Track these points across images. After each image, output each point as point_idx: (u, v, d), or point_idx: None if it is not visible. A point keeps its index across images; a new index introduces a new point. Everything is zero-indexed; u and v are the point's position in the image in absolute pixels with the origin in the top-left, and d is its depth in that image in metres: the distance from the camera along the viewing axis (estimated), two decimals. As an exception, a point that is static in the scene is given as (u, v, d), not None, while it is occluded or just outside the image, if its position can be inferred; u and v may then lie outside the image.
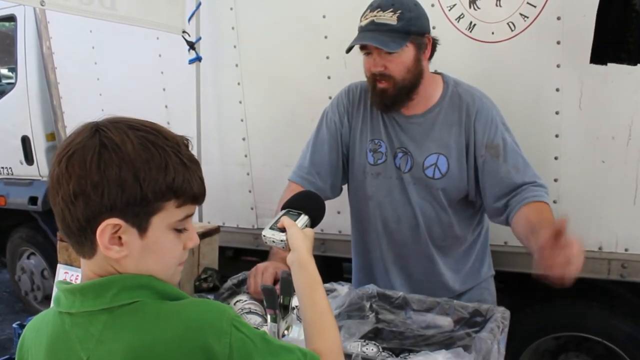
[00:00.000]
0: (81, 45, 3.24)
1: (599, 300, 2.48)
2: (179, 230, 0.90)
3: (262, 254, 3.06)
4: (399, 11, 1.71)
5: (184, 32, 2.71)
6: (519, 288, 2.49)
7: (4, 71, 6.18)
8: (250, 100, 2.82)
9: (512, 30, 2.21)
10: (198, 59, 2.80)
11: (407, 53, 1.75)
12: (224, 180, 2.93)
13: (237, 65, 2.80)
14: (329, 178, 1.96)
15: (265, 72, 2.76)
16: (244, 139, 2.88)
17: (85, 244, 0.86)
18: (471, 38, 2.28)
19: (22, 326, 1.82)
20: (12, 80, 4.14)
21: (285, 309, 1.30)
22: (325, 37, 2.56)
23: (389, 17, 1.70)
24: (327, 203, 1.96)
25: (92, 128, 0.85)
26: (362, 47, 1.77)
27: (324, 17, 2.54)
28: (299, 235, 1.15)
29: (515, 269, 2.43)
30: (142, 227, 0.86)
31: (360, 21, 1.76)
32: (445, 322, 1.53)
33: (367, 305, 1.59)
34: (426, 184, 1.85)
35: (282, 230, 1.18)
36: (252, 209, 2.95)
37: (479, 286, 2.00)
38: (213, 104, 2.91)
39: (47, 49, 3.20)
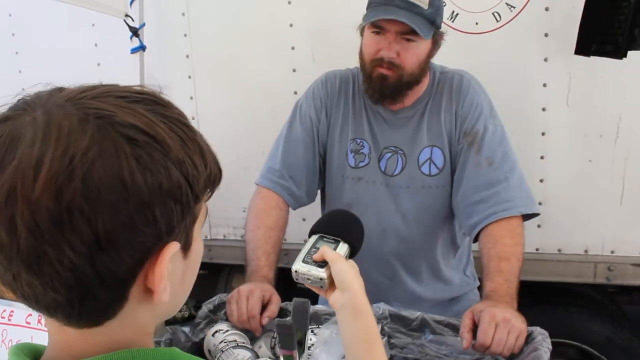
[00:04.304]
0: (-2, 31, 2.81)
1: (577, 304, 2.41)
2: None
3: (212, 267, 2.78)
4: None
5: (126, 15, 2.38)
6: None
7: None
8: (202, 95, 2.52)
9: (497, 21, 2.07)
10: (142, 47, 2.47)
11: (425, 46, 1.55)
12: (173, 185, 2.61)
13: (187, 56, 2.49)
14: (304, 182, 1.72)
15: (220, 64, 2.47)
16: (195, 139, 2.58)
17: (110, 304, 0.55)
18: (453, 28, 2.11)
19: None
20: None
21: (300, 346, 1.06)
22: (291, 25, 2.31)
23: None
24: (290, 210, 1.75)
25: (81, 120, 0.52)
26: (375, 25, 1.53)
27: (289, 2, 2.29)
28: (349, 271, 0.90)
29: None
30: (188, 243, 0.60)
31: None
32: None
33: (379, 327, 1.37)
34: (423, 185, 1.65)
35: (320, 264, 0.93)
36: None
37: (467, 297, 1.82)
38: (159, 100, 2.58)
39: (-45, 34, 2.77)
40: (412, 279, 1.74)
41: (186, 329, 1.41)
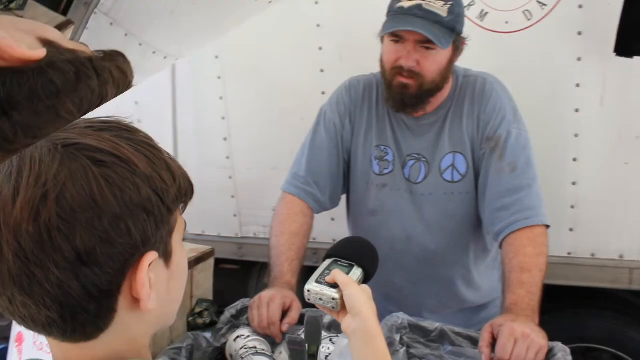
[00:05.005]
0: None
1: (613, 309, 2.34)
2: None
3: (243, 263, 2.82)
4: (450, 3, 1.47)
5: (156, 19, 2.41)
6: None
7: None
8: (232, 95, 2.55)
9: (528, 20, 2.01)
10: (172, 49, 2.51)
11: (446, 53, 1.52)
12: (203, 184, 2.64)
13: (216, 57, 2.51)
14: (328, 188, 1.72)
15: (249, 65, 2.48)
16: (225, 139, 2.60)
17: (100, 316, 0.59)
18: (482, 28, 2.06)
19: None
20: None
21: (314, 359, 1.07)
22: (318, 26, 2.30)
23: (440, 7, 1.45)
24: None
25: (50, 150, 0.56)
26: (394, 34, 1.51)
27: (316, 3, 2.28)
28: (361, 296, 0.91)
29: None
30: (167, 253, 0.63)
31: (401, 0, 1.49)
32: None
33: (397, 338, 1.37)
34: (445, 192, 1.63)
35: (333, 285, 0.93)
36: (235, 216, 2.69)
37: (494, 304, 1.80)
38: (190, 100, 2.62)
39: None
40: (439, 285, 1.72)
41: (207, 334, 1.43)
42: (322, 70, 2.35)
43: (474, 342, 1.33)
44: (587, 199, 2.08)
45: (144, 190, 0.58)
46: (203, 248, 1.54)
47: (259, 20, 2.40)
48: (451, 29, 1.48)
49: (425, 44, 1.48)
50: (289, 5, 2.34)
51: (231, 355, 1.42)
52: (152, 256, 0.59)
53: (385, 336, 1.31)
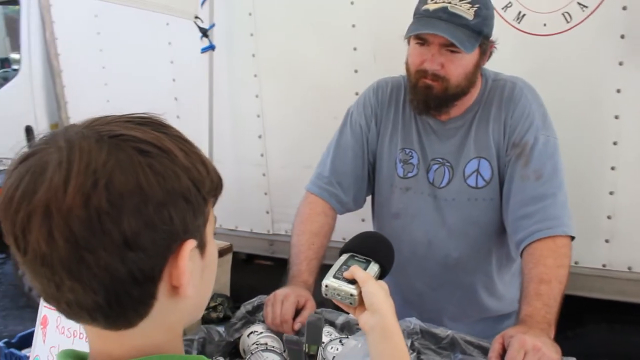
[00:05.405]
0: (85, 30, 3.00)
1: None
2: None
3: (277, 259, 2.85)
4: (477, 5, 1.43)
5: (196, 17, 2.47)
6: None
7: (17, 57, 5.99)
8: (267, 94, 2.58)
9: (567, 22, 1.94)
10: (211, 47, 2.56)
11: (472, 57, 1.48)
12: (237, 181, 2.70)
13: (253, 56, 2.55)
14: (352, 189, 1.71)
15: (284, 64, 2.51)
16: (260, 137, 2.64)
17: (142, 302, 0.61)
18: (520, 30, 2.01)
19: (8, 344, 1.61)
20: (18, 67, 3.96)
21: (312, 360, 1.07)
22: (353, 26, 2.30)
23: (466, 10, 1.42)
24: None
25: (98, 140, 0.59)
26: (419, 36, 1.49)
27: (351, 3, 2.28)
28: (380, 292, 0.90)
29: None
30: (203, 243, 0.66)
31: (427, 2, 1.47)
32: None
33: (408, 343, 1.35)
34: (468, 198, 1.60)
35: (351, 281, 0.93)
36: (267, 212, 2.72)
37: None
38: (227, 98, 2.67)
39: (49, 34, 3.00)
40: (460, 292, 1.69)
41: (220, 328, 1.45)
42: (356, 71, 2.35)
43: (485, 352, 1.30)
44: (624, 209, 2.00)
45: (184, 179, 0.61)
46: (221, 243, 1.57)
47: (296, 20, 2.43)
48: (477, 32, 1.45)
49: (450, 47, 1.45)
50: (325, 5, 2.35)
51: (244, 350, 1.44)
52: (191, 244, 0.62)
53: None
